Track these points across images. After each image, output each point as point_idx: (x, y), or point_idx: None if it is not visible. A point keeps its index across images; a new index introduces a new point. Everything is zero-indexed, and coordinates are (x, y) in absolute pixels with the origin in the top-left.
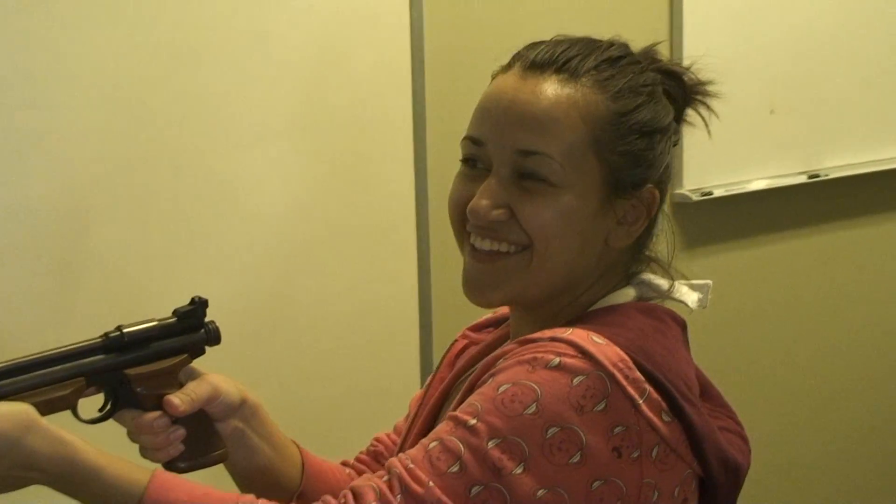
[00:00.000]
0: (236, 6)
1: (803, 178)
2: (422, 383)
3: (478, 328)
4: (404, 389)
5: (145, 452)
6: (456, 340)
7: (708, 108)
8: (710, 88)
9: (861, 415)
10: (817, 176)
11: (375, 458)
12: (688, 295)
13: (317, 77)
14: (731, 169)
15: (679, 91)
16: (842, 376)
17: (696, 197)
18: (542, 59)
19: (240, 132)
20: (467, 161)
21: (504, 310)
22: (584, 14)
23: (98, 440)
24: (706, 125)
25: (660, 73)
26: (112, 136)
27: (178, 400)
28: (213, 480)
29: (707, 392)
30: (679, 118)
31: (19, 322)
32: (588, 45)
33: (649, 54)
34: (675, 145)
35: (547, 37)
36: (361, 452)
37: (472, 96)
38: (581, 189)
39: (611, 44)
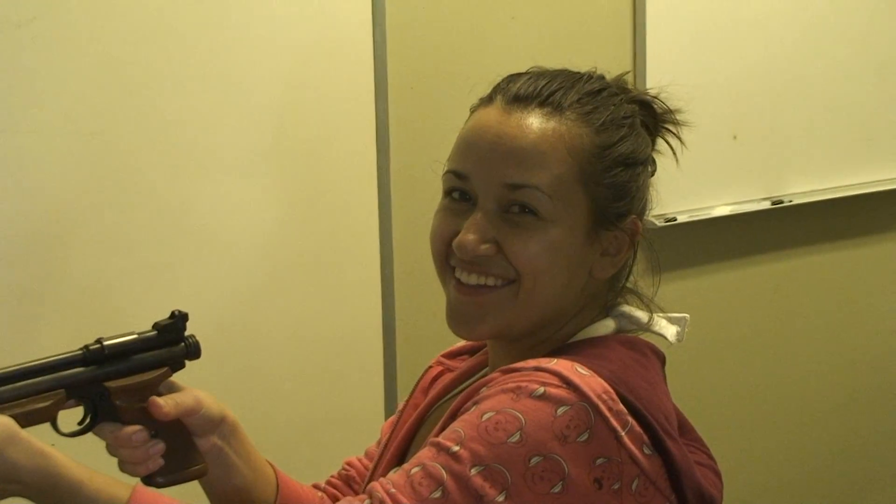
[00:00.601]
0: (202, 40)
1: (766, 205)
2: (386, 408)
3: (452, 355)
4: (368, 415)
5: (124, 466)
6: (430, 367)
7: (676, 136)
8: (678, 117)
9: (827, 437)
10: (780, 202)
11: (347, 482)
12: (667, 328)
13: (281, 108)
14: (694, 195)
15: (651, 120)
16: (804, 401)
17: (660, 223)
18: (525, 92)
19: (206, 162)
20: (450, 195)
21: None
22: (547, 44)
23: (77, 453)
24: (674, 154)
25: (634, 103)
26: (79, 163)
27: (163, 401)
28: (190, 497)
29: (682, 426)
30: (651, 147)
31: None
32: (569, 78)
33: (620, 84)
34: (651, 175)
35: (510, 67)
36: (333, 476)
37: (434, 125)
38: (569, 222)
39: (590, 76)
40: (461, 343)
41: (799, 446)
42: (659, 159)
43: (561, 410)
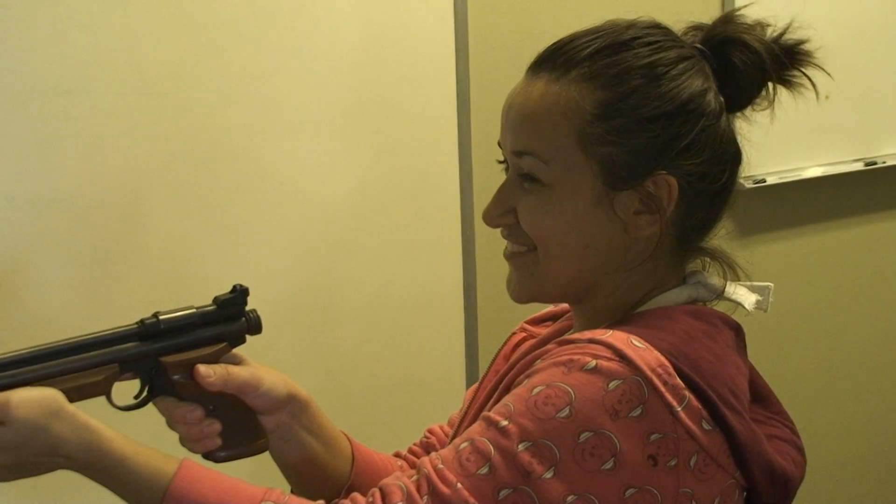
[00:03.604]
0: None
1: (859, 166)
2: (467, 374)
3: (536, 321)
4: (449, 380)
5: (182, 442)
6: (514, 333)
7: (815, 66)
8: (803, 48)
9: None
10: (874, 163)
11: (427, 449)
12: (745, 297)
13: (361, 66)
14: (785, 156)
15: (751, 60)
16: None
17: (748, 184)
18: (541, 58)
19: (284, 121)
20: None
21: (564, 304)
22: None
23: (139, 426)
24: (814, 87)
25: (724, 44)
26: (153, 123)
27: (210, 371)
28: (256, 469)
29: (764, 398)
30: (744, 91)
31: (59, 312)
32: (594, 36)
33: (719, 23)
34: (712, 123)
35: (593, 21)
36: (414, 444)
37: (516, 83)
38: (570, 187)
39: (628, 26)
40: (546, 309)
41: (892, 415)
42: (747, 122)
43: (613, 384)
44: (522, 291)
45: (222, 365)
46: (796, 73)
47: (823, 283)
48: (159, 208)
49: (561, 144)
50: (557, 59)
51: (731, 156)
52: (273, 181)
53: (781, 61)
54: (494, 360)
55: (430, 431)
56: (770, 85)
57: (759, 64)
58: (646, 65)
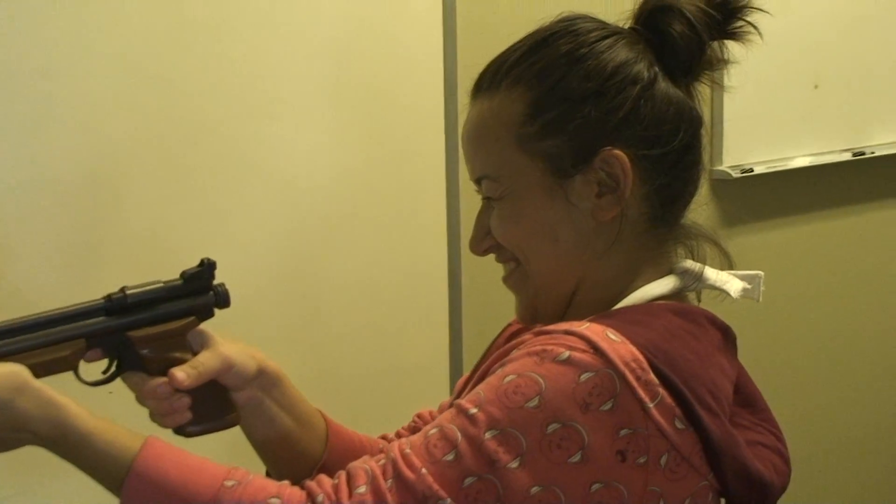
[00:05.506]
0: None
1: (847, 156)
2: (451, 361)
3: None
4: (432, 368)
5: (153, 417)
6: (510, 324)
7: (755, 9)
8: (739, 5)
9: None
10: (862, 154)
11: (414, 433)
12: (730, 283)
13: (347, 50)
14: (772, 146)
15: (683, 25)
16: (884, 359)
17: (735, 174)
18: (475, 84)
19: (268, 106)
20: None
21: None
22: None
23: (110, 402)
24: (758, 31)
25: (653, 15)
26: (138, 106)
27: (184, 374)
28: (231, 450)
29: (752, 404)
30: (683, 57)
31: (42, 295)
32: (516, 46)
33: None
34: (646, 90)
35: (578, 6)
36: (403, 428)
37: None
38: (520, 191)
39: (548, 26)
40: None
41: (877, 406)
42: (735, 108)
43: (584, 377)
44: (524, 310)
45: (192, 363)
46: (739, 22)
47: (810, 274)
48: (142, 193)
49: (504, 155)
50: (487, 79)
51: (681, 116)
52: (257, 166)
53: (716, 19)
54: (488, 349)
55: (418, 416)
56: (716, 44)
57: (691, 27)
58: (566, 52)
